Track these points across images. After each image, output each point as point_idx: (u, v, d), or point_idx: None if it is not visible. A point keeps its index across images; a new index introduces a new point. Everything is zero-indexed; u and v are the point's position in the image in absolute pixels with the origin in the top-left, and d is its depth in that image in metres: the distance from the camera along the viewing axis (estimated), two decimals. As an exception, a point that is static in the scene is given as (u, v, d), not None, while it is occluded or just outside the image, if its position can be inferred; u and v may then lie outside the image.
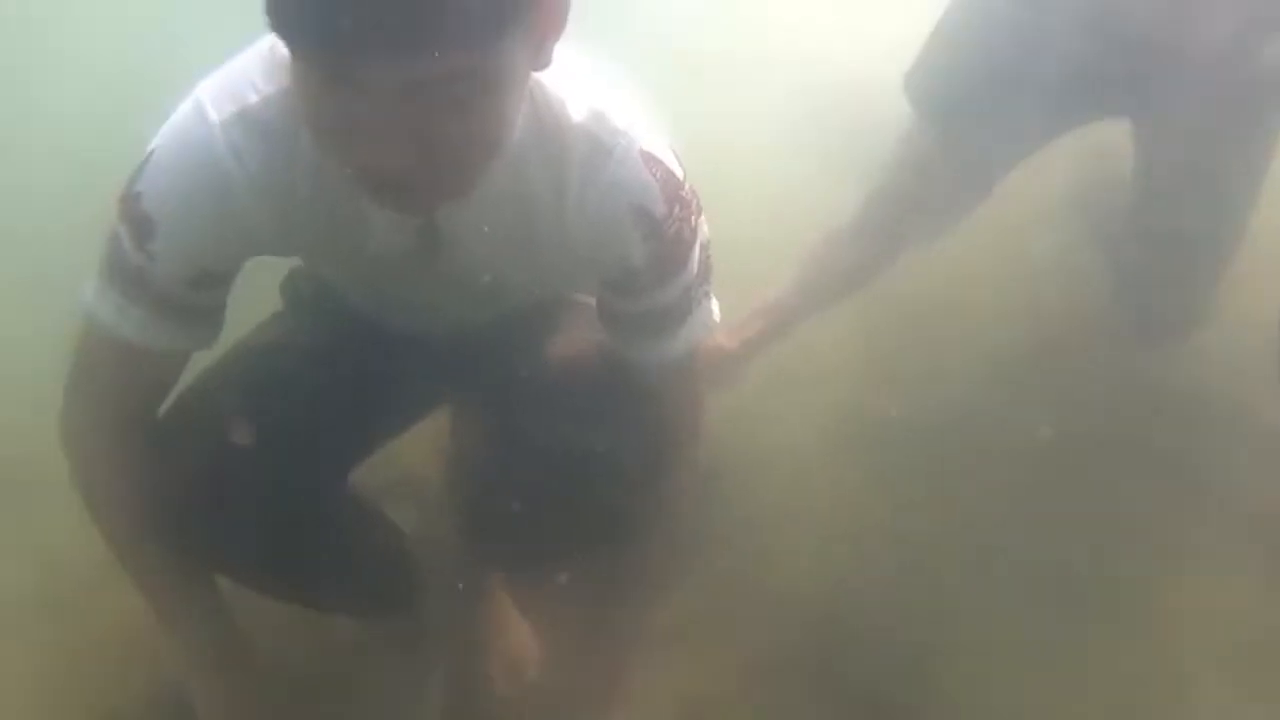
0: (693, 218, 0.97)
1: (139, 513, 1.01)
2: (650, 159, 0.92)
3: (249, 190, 0.86)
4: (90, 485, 1.02)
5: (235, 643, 1.13)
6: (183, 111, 0.87)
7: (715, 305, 1.08)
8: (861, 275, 1.67)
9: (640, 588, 1.21)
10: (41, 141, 2.06)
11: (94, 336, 0.95)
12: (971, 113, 1.49)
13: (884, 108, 1.63)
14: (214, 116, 0.85)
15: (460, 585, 1.28)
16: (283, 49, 0.75)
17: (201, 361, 1.05)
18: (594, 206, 0.92)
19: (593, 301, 1.10)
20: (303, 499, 1.03)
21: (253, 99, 0.85)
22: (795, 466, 1.61)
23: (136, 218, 0.88)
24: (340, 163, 0.78)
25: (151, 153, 0.88)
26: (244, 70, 0.87)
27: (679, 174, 0.95)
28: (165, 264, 0.89)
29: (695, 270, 1.00)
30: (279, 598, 1.16)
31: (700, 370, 1.13)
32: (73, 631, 1.38)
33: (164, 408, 1.02)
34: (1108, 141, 1.64)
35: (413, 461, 1.47)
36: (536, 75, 0.83)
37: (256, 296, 1.12)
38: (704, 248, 1.01)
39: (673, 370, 1.07)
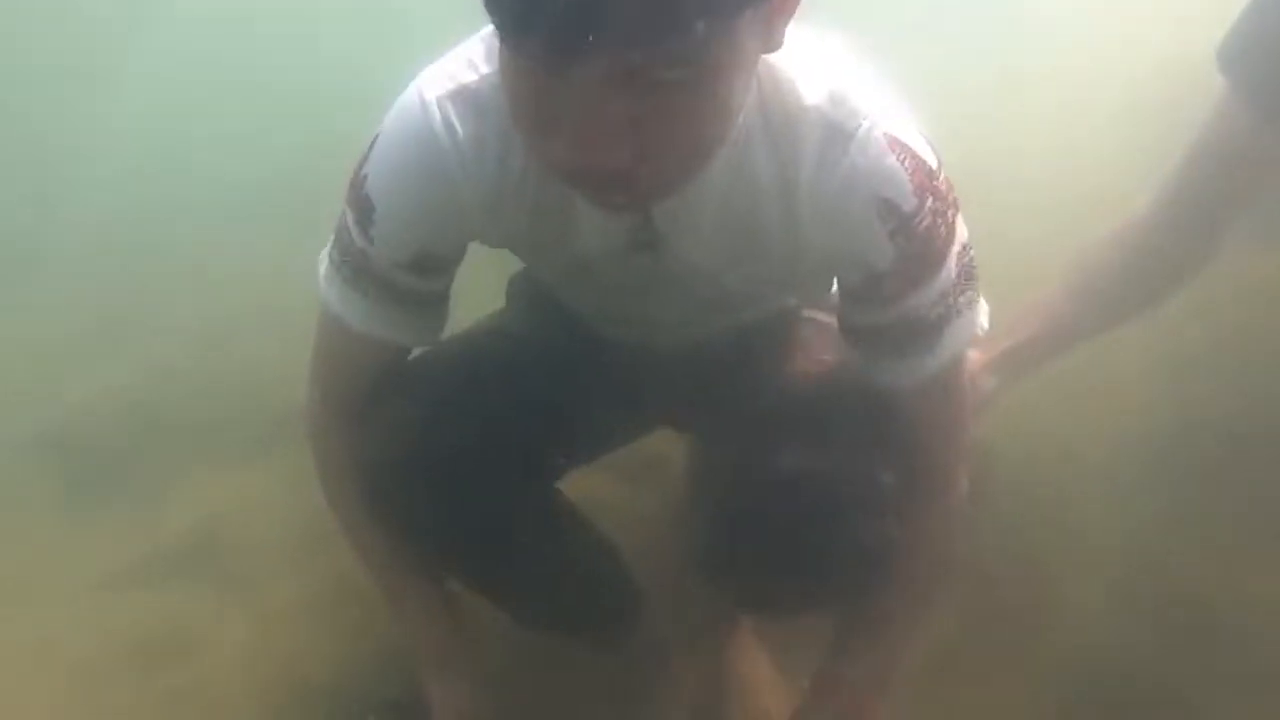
0: (949, 212, 0.85)
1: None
2: (897, 144, 0.81)
3: (460, 164, 0.85)
4: (319, 462, 1.05)
5: (461, 643, 1.12)
6: (404, 94, 0.87)
7: (984, 312, 0.94)
8: (1157, 285, 1.40)
9: (898, 625, 1.06)
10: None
11: (324, 319, 0.97)
12: None
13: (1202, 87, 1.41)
14: (430, 94, 0.85)
15: (697, 619, 1.22)
16: None
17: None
18: (830, 200, 0.82)
19: (829, 318, 1.00)
20: (505, 493, 1.00)
21: (469, 77, 0.84)
22: (1074, 484, 1.46)
23: (360, 201, 0.89)
24: (550, 160, 0.73)
25: (376, 136, 0.89)
26: (463, 52, 0.87)
27: (932, 163, 0.83)
28: (384, 246, 0.89)
29: (953, 274, 0.87)
30: (479, 592, 1.11)
31: (963, 390, 0.97)
32: (294, 590, 1.48)
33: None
34: None
35: (657, 444, 1.43)
36: (765, 56, 0.75)
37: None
38: (964, 249, 0.88)
39: (929, 391, 0.93)
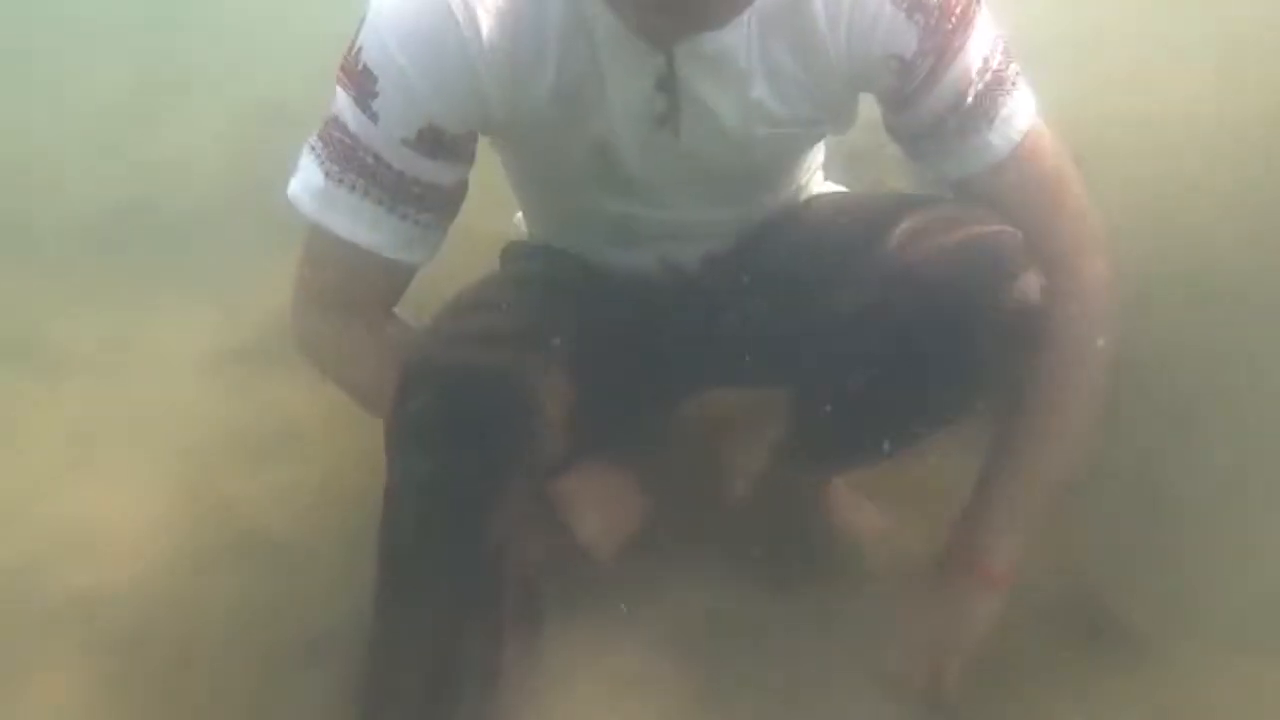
0: None
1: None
2: None
3: (473, 31, 0.81)
4: (332, 373, 0.98)
5: None
6: None
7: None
8: None
9: (1040, 440, 0.97)
10: None
11: (315, 233, 0.90)
12: None
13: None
14: None
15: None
16: None
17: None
18: (846, 4, 0.84)
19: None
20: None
21: None
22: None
23: (358, 77, 0.83)
24: None
25: (364, 16, 0.84)
26: None
27: None
28: (389, 120, 0.84)
29: (989, 40, 0.88)
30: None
31: (1050, 163, 0.93)
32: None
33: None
34: None
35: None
36: None
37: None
38: (997, 39, 0.89)
39: (1009, 168, 0.91)
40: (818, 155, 1.10)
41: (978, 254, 0.87)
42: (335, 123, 0.86)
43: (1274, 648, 1.03)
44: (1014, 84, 0.90)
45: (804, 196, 1.10)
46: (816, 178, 1.12)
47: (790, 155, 1.01)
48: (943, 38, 0.85)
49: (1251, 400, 1.20)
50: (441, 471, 0.82)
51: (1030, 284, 0.87)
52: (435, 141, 0.85)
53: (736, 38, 0.84)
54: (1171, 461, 1.17)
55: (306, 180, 0.89)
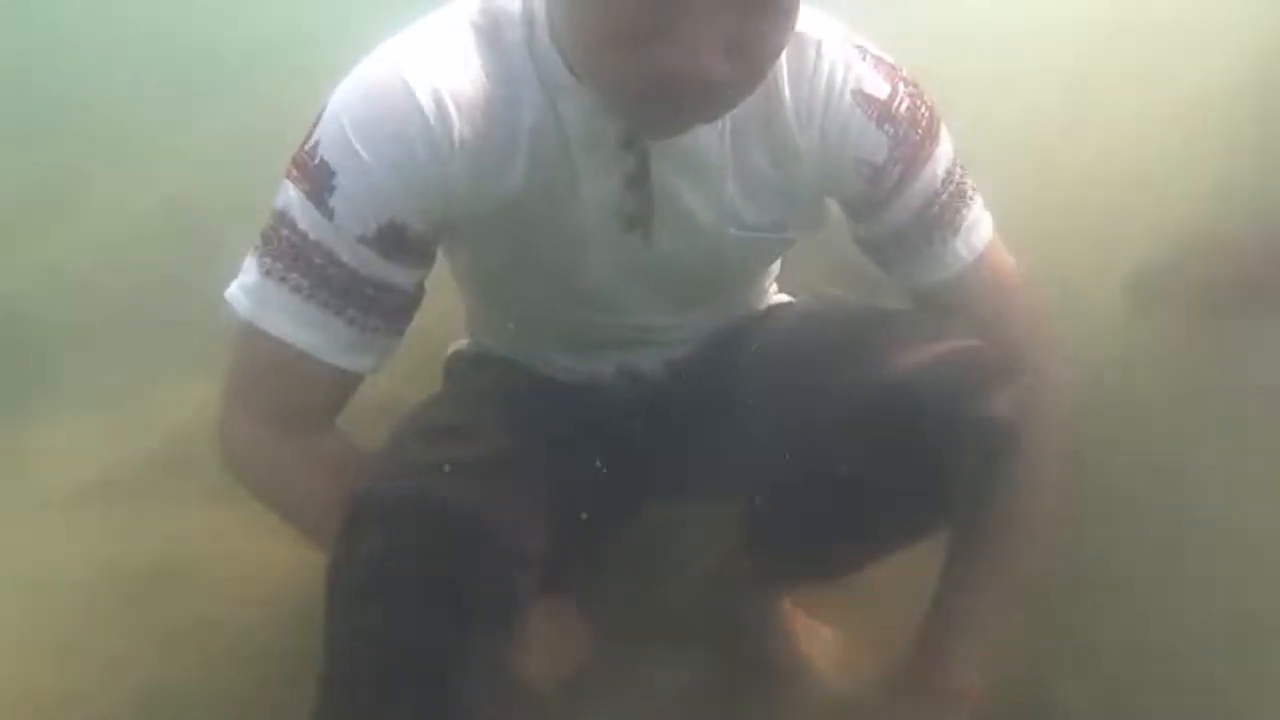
0: (925, 95, 0.90)
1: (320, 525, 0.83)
2: (857, 48, 0.88)
3: (442, 126, 0.79)
4: (271, 494, 0.90)
5: None
6: (360, 65, 0.82)
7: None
8: None
9: (1002, 545, 0.97)
10: None
11: (255, 337, 0.83)
12: None
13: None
14: (401, 54, 0.80)
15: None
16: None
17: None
18: (817, 108, 0.86)
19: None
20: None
21: (448, 38, 0.81)
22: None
23: (313, 173, 0.80)
24: (632, 77, 0.72)
25: (322, 110, 0.81)
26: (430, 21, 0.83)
27: (889, 58, 0.90)
28: (347, 216, 0.79)
29: (951, 155, 0.92)
30: None
31: (1007, 270, 0.97)
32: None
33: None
34: None
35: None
36: None
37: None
38: (955, 157, 0.93)
39: (972, 275, 0.94)
40: (777, 263, 1.10)
41: (959, 369, 0.86)
42: (282, 219, 0.81)
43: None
44: (972, 196, 0.94)
45: (764, 304, 1.09)
46: (773, 287, 1.12)
47: (758, 260, 1.01)
48: (911, 147, 0.88)
49: (1191, 490, 1.21)
50: (401, 628, 0.74)
51: (1012, 398, 0.86)
52: (395, 240, 0.81)
53: (710, 136, 0.84)
54: (1119, 553, 1.17)
55: (245, 280, 0.83)
